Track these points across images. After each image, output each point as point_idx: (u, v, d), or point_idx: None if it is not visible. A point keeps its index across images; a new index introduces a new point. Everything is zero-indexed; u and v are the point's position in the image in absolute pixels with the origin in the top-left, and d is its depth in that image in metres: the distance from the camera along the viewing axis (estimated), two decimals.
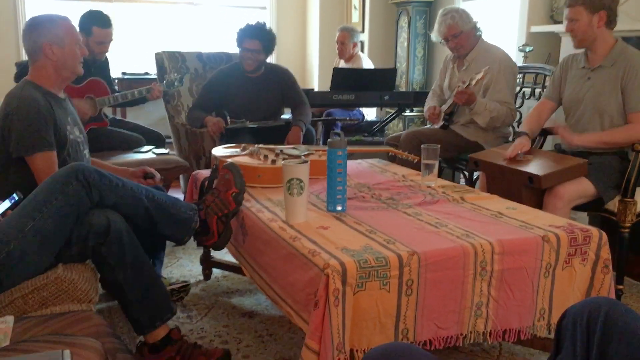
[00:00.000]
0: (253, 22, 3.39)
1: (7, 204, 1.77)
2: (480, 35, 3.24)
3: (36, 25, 2.07)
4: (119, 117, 4.32)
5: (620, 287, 2.43)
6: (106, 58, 3.45)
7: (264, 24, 3.40)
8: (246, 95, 3.39)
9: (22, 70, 3.16)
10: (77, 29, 2.16)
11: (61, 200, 1.70)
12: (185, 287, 2.49)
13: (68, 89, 2.28)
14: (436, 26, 3.25)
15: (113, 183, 1.82)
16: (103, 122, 3.26)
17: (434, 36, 3.32)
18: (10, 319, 1.37)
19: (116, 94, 3.29)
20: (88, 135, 2.33)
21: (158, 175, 2.33)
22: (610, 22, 2.49)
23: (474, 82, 3.00)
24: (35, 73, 2.09)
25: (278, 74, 3.49)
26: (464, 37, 3.17)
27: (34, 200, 1.71)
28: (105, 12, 3.34)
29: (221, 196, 2.00)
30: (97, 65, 3.29)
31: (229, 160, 2.22)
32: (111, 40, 3.32)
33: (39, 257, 1.69)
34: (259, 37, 3.31)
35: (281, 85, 3.47)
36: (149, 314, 1.85)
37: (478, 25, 3.23)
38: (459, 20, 3.15)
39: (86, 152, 2.25)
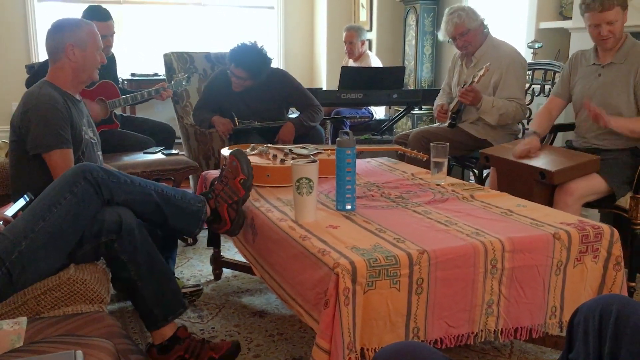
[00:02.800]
0: (248, 42, 3.23)
1: (18, 205, 1.79)
2: (488, 32, 3.22)
3: (61, 27, 2.12)
4: (127, 114, 4.35)
5: (633, 284, 2.41)
6: (113, 55, 3.47)
7: (254, 46, 3.22)
8: (245, 103, 3.36)
9: (33, 76, 3.19)
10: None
11: (70, 199, 1.72)
12: (197, 291, 2.49)
13: (80, 91, 2.32)
14: (443, 25, 3.23)
15: (121, 180, 1.83)
16: (114, 124, 3.29)
17: (441, 35, 3.30)
18: (23, 320, 1.38)
19: (126, 96, 3.31)
20: (99, 137, 2.35)
21: None
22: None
23: (476, 79, 2.98)
24: (53, 74, 2.13)
25: (276, 80, 3.38)
26: (471, 34, 3.16)
27: (44, 200, 1.72)
28: (104, 7, 3.36)
29: (230, 184, 2.01)
30: (105, 65, 3.30)
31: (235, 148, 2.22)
32: (113, 32, 3.33)
33: (50, 257, 1.70)
34: (243, 66, 3.19)
35: (282, 91, 3.40)
36: (162, 308, 1.86)
37: (485, 22, 3.21)
38: (465, 18, 3.13)
39: (99, 153, 2.28)
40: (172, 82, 3.49)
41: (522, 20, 4.12)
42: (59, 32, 2.10)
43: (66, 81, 2.12)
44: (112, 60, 3.48)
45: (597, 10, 2.41)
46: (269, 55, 3.29)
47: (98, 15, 3.24)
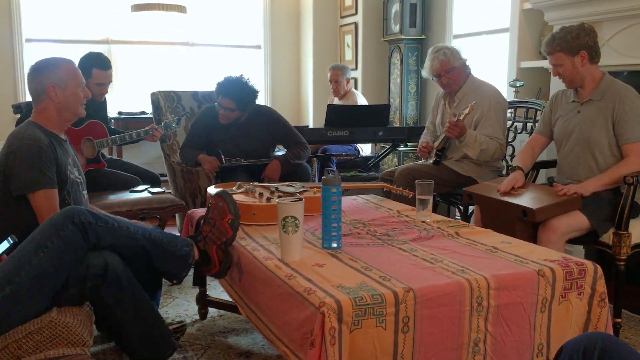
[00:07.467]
0: (233, 75, 3.31)
1: (1, 248, 1.77)
2: (469, 73, 3.30)
3: (40, 68, 2.13)
4: (115, 156, 4.36)
5: (618, 320, 2.41)
6: (104, 98, 3.49)
7: (240, 79, 3.30)
8: (232, 140, 3.39)
9: (24, 116, 3.20)
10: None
11: (57, 243, 1.71)
12: (181, 328, 2.46)
13: (67, 131, 2.32)
14: (427, 63, 3.30)
15: (109, 224, 1.83)
16: (101, 163, 3.29)
17: (425, 73, 3.37)
18: None
19: (115, 136, 3.32)
20: (86, 176, 2.35)
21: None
22: (593, 57, 2.54)
23: (462, 117, 3.04)
24: (38, 114, 2.14)
25: (263, 117, 3.44)
26: (456, 72, 3.23)
27: (30, 244, 1.71)
28: (104, 54, 3.39)
29: (217, 225, 2.01)
30: (96, 106, 3.33)
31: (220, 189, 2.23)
32: (110, 82, 3.37)
33: (35, 301, 1.68)
34: (230, 96, 3.26)
35: (269, 128, 3.44)
36: (150, 351, 1.85)
37: (467, 63, 3.29)
38: (450, 56, 3.21)
39: (85, 192, 2.27)
40: (162, 124, 3.51)
41: (503, 59, 4.22)
42: (39, 74, 2.11)
43: (51, 121, 2.13)
44: (103, 104, 3.50)
45: (546, 52, 2.63)
46: (255, 87, 3.36)
47: (98, 63, 3.25)
